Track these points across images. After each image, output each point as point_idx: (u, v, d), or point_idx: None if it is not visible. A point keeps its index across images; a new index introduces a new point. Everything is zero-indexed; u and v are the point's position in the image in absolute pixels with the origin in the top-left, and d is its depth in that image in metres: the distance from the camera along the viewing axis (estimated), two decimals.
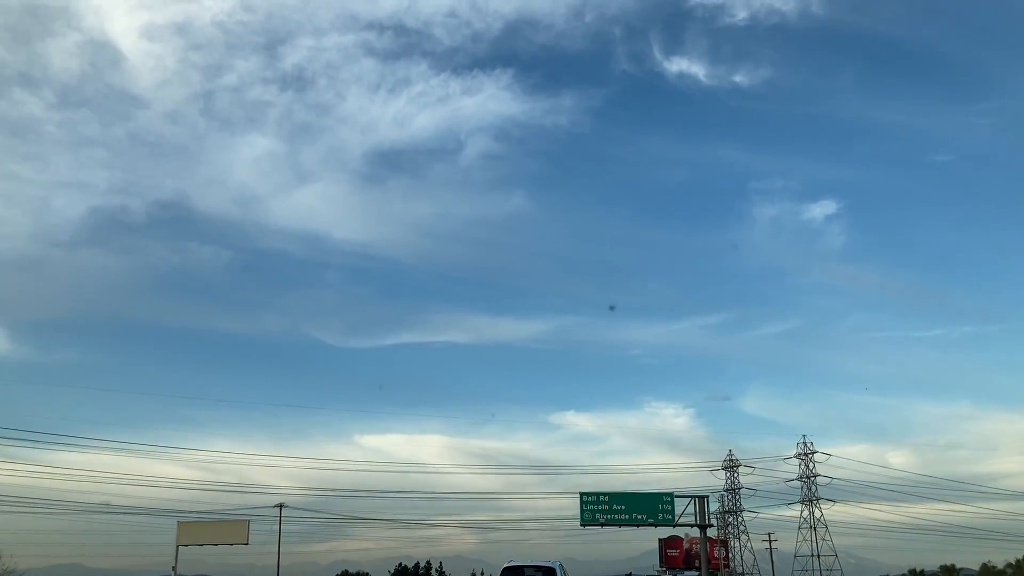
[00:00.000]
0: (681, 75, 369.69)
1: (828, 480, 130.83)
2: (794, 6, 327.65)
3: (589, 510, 51.85)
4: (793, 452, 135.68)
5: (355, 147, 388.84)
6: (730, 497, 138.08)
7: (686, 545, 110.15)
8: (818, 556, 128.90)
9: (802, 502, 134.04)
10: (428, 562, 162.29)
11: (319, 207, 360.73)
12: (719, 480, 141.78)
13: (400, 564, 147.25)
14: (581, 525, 51.08)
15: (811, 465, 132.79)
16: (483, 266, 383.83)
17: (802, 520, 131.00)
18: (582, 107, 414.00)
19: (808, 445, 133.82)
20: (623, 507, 51.12)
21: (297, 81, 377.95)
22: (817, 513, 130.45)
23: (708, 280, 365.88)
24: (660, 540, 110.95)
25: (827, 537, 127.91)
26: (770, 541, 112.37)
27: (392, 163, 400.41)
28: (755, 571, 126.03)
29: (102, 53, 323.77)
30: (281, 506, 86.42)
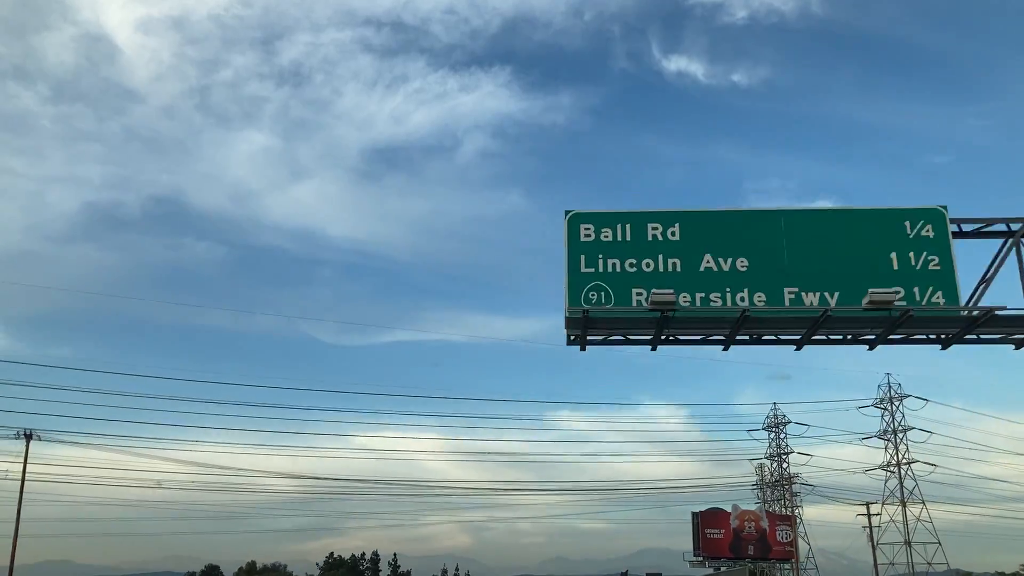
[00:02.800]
0: (680, 74, 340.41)
1: (926, 436, 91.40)
2: (793, 6, 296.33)
3: (599, 285, 12.97)
4: (871, 399, 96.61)
5: (351, 144, 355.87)
6: (776, 466, 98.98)
7: (735, 523, 70.98)
8: (910, 544, 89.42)
9: (885, 468, 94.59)
10: (375, 552, 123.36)
11: (315, 204, 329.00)
12: (759, 442, 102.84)
13: (331, 554, 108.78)
14: (569, 339, 12.44)
15: (899, 417, 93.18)
16: (479, 264, 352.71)
17: (887, 492, 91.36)
18: (580, 105, 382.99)
19: (895, 388, 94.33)
20: (737, 257, 12.48)
21: (294, 77, 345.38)
22: (909, 484, 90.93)
23: None
24: (695, 515, 71.77)
25: (924, 515, 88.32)
26: (868, 515, 72.01)
27: (389, 160, 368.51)
28: (810, 563, 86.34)
29: (98, 47, 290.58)
30: (28, 435, 46.88)
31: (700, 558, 69.79)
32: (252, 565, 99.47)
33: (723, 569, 69.58)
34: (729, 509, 72.01)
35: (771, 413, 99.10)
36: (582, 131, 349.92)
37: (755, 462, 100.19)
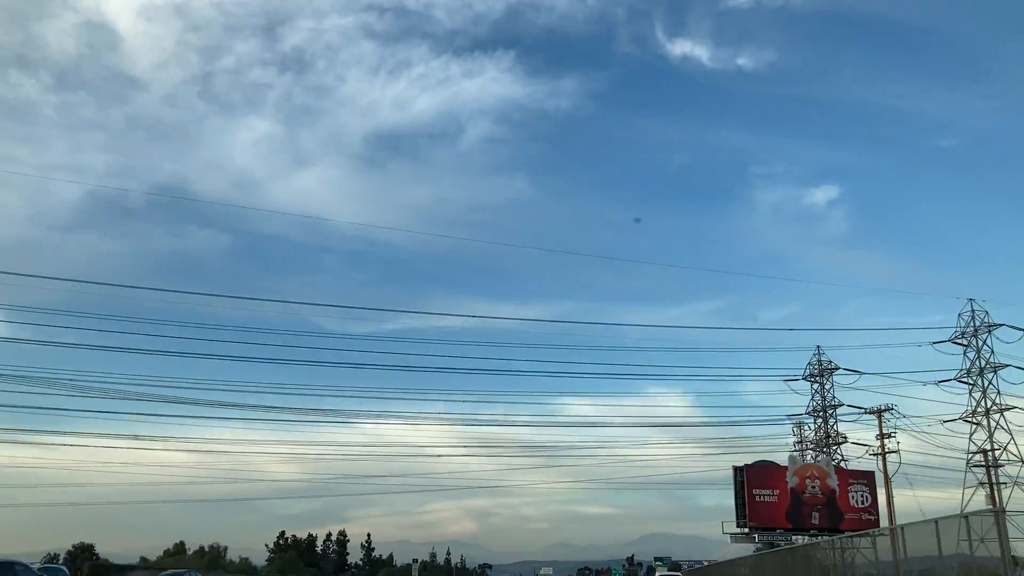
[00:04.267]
0: (684, 58, 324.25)
1: None
2: None
3: None
4: (951, 331, 76.07)
5: (355, 130, 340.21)
6: (822, 422, 79.11)
7: (793, 481, 51.20)
8: (1003, 512, 69.54)
9: (968, 420, 74.39)
10: (343, 531, 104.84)
11: (318, 191, 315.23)
12: (801, 396, 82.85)
13: (282, 533, 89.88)
14: None
15: (987, 353, 72.77)
16: (484, 251, 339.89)
17: (971, 449, 71.13)
18: (584, 90, 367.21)
19: (981, 316, 73.93)
20: None
21: (296, 63, 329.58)
22: (1001, 437, 70.63)
23: (709, 265, 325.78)
24: (738, 471, 51.97)
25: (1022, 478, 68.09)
26: (988, 465, 51.95)
27: (392, 146, 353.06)
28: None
29: (99, 34, 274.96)
30: None
31: (747, 529, 50.14)
32: (180, 546, 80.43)
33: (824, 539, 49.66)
34: (785, 463, 52.28)
35: (814, 359, 79.43)
36: (586, 116, 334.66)
37: (794, 418, 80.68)
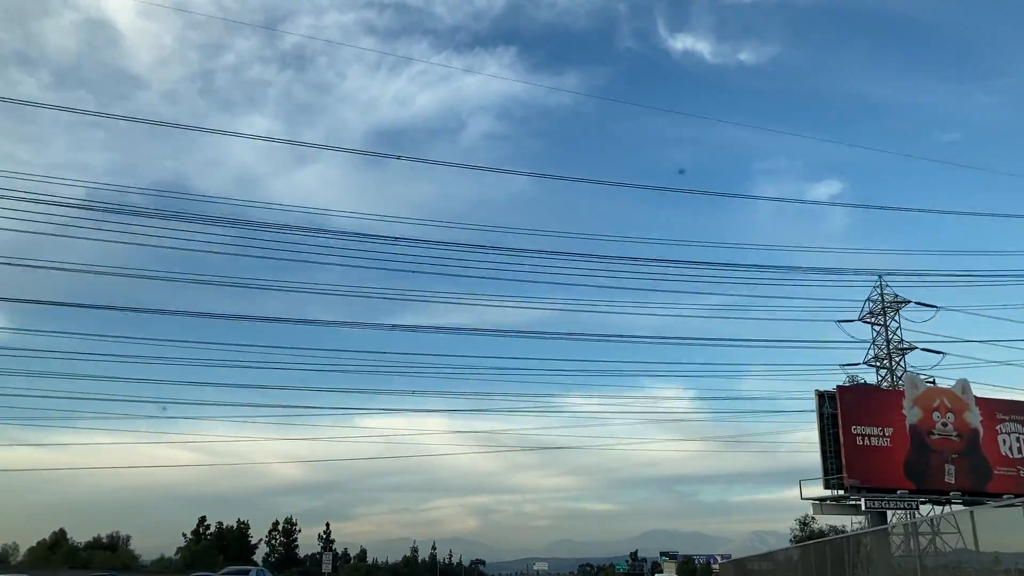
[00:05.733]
0: (686, 53, 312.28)
1: None
2: None
3: None
4: None
5: (355, 127, 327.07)
6: (885, 368, 59.66)
7: (915, 414, 32.32)
8: None
9: None
10: (292, 519, 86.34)
11: (319, 188, 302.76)
12: (854, 337, 63.42)
13: (202, 519, 70.97)
14: None
15: None
16: (485, 247, 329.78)
17: None
18: (585, 86, 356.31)
19: None
20: None
21: (297, 60, 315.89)
22: None
23: (712, 260, 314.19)
24: (824, 398, 32.96)
25: None
26: None
27: (393, 143, 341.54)
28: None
29: (99, 32, 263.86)
30: None
31: (841, 491, 30.99)
32: (60, 534, 61.61)
33: (899, 519, 30.50)
34: (880, 382, 33.24)
35: (875, 293, 60.06)
36: (587, 112, 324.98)
37: (848, 369, 61.21)
